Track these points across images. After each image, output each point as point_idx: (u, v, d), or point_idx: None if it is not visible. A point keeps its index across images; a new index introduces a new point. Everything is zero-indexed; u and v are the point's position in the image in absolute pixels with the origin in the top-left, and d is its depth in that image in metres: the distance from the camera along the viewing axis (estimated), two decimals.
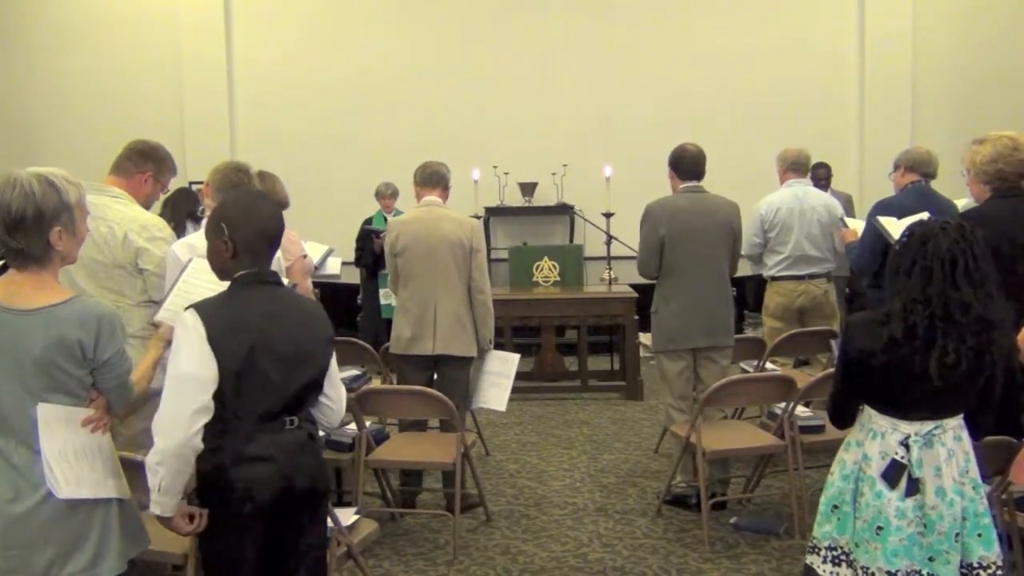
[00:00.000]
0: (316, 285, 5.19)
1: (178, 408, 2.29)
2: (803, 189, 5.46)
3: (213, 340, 2.33)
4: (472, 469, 4.47)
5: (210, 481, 2.39)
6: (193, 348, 2.32)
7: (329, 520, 3.03)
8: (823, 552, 2.66)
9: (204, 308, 2.40)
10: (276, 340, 2.41)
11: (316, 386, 2.52)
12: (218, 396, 2.35)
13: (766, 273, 5.51)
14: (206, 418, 2.31)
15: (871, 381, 2.54)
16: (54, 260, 2.29)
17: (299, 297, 2.66)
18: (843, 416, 2.68)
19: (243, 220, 2.46)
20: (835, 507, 2.65)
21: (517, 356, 4.78)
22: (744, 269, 4.84)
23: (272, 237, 2.50)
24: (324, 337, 2.54)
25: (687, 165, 4.59)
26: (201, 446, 2.32)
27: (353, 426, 4.17)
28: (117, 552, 2.32)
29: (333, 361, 2.59)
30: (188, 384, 2.30)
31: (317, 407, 2.57)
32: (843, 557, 2.63)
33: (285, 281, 3.05)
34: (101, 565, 2.29)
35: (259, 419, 2.39)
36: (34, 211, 2.21)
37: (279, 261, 3.64)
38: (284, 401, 2.43)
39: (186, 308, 2.41)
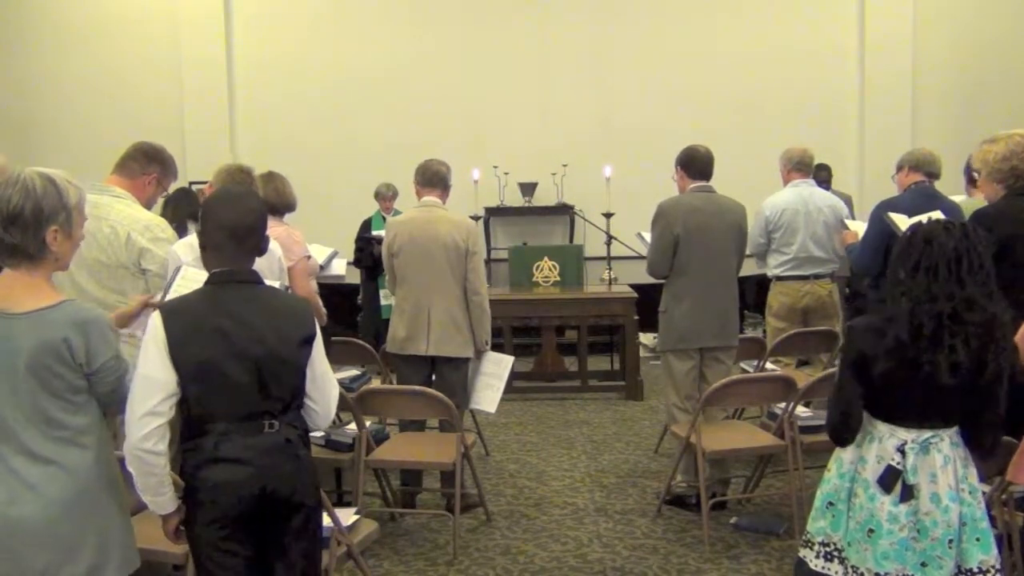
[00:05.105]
0: (318, 285, 5.19)
1: (132, 409, 2.30)
2: (808, 190, 5.45)
3: (174, 343, 2.32)
4: (472, 469, 4.47)
5: (186, 482, 2.40)
6: (151, 350, 2.33)
7: (329, 520, 3.04)
8: (816, 547, 2.67)
9: (170, 309, 2.41)
10: (244, 342, 2.37)
11: (295, 388, 2.46)
12: (186, 398, 2.35)
13: (770, 273, 5.51)
14: (158, 422, 2.29)
15: (871, 386, 2.53)
16: (47, 261, 2.27)
17: (277, 296, 2.56)
18: (848, 427, 2.59)
19: (207, 213, 2.47)
20: (830, 504, 2.66)
21: (511, 359, 4.78)
22: (744, 269, 4.84)
23: (230, 230, 2.42)
24: (300, 338, 2.45)
25: (699, 165, 4.60)
26: (159, 450, 2.30)
27: (353, 426, 4.17)
28: (116, 567, 2.32)
29: (319, 362, 2.50)
30: (142, 386, 2.30)
31: (304, 410, 2.51)
32: (835, 554, 2.63)
33: (275, 284, 3.04)
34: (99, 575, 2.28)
35: (235, 421, 2.37)
36: (32, 207, 2.21)
37: (280, 261, 3.64)
38: (258, 404, 2.39)
39: (156, 308, 2.42)
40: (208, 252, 2.46)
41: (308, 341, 2.47)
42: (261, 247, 2.51)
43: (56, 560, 2.22)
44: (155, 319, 2.36)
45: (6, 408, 2.20)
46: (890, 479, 2.51)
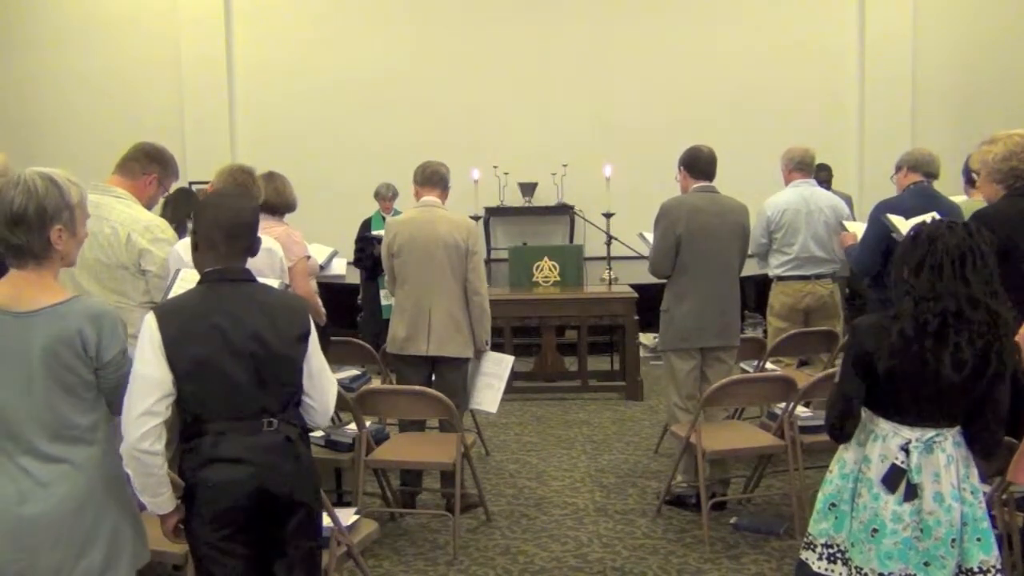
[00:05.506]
0: (318, 285, 5.19)
1: (128, 409, 2.29)
2: (809, 190, 5.45)
3: (169, 343, 2.33)
4: (472, 469, 4.47)
5: (185, 482, 2.41)
6: (146, 350, 2.33)
7: (329, 520, 3.04)
8: (819, 549, 2.67)
9: (164, 309, 2.41)
10: (240, 340, 2.37)
11: (292, 385, 2.46)
12: (182, 398, 2.35)
13: (772, 273, 5.51)
14: (154, 421, 2.29)
15: (875, 384, 2.53)
16: (53, 259, 2.29)
17: (271, 293, 2.55)
18: (845, 424, 2.60)
19: (202, 212, 2.48)
20: (833, 505, 2.65)
21: (511, 358, 4.78)
22: (745, 269, 4.84)
23: (227, 228, 2.43)
24: (296, 335, 2.45)
25: (702, 165, 4.61)
26: (156, 450, 2.30)
27: (353, 426, 4.17)
28: (129, 560, 2.33)
29: (316, 360, 2.50)
30: (138, 386, 2.30)
31: (302, 407, 2.51)
32: (838, 555, 2.63)
33: (275, 283, 3.05)
34: (113, 570, 2.29)
35: (231, 420, 2.37)
36: (36, 207, 2.22)
37: (282, 261, 3.64)
38: (256, 402, 2.39)
39: (151, 307, 2.43)
40: (202, 251, 2.47)
41: (304, 337, 2.48)
42: (253, 247, 2.52)
43: (70, 556, 2.23)
44: (148, 319, 2.37)
45: (19, 409, 2.21)
46: (894, 479, 2.51)
